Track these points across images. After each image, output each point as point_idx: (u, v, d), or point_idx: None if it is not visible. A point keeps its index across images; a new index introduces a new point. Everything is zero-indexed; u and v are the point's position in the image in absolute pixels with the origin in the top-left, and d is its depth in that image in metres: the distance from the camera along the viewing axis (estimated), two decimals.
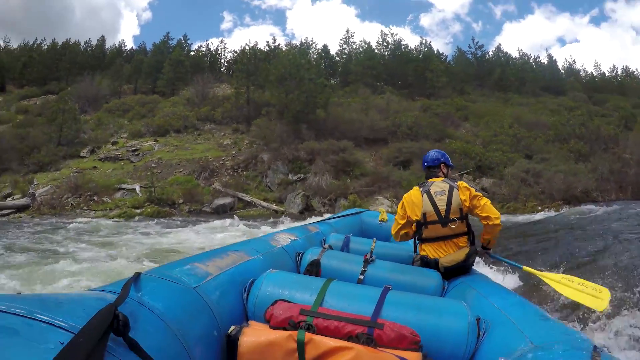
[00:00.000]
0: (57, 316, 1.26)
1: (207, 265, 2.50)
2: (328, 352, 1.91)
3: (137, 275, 1.95)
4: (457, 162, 25.09)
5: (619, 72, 68.48)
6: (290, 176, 25.32)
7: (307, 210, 21.51)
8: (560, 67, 71.05)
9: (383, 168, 26.02)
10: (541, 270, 3.49)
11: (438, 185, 3.75)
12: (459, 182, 3.75)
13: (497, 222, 3.60)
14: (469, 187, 3.70)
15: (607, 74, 68.91)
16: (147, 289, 1.91)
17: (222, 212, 21.34)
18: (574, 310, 4.79)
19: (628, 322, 4.27)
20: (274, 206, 22.19)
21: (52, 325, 1.21)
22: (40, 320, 1.20)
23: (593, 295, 3.08)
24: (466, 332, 2.22)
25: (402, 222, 3.85)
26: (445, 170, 4.04)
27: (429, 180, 3.88)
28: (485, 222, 3.64)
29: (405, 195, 3.91)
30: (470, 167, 25.19)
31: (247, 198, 22.82)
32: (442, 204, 3.65)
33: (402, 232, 3.92)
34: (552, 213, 17.76)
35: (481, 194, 3.69)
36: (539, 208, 19.61)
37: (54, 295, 1.54)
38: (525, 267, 3.65)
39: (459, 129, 35.85)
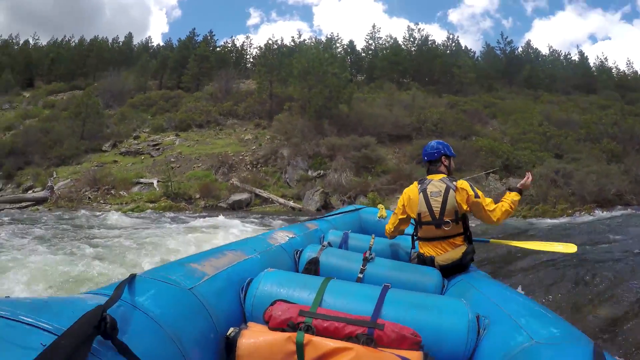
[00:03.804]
0: (42, 318, 1.25)
1: (203, 265, 2.47)
2: (328, 353, 1.88)
3: (132, 277, 1.93)
4: (483, 161, 24.59)
5: None
6: (309, 172, 24.80)
7: (325, 207, 20.77)
8: (591, 64, 69.43)
9: (406, 165, 25.32)
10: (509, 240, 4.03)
11: (435, 184, 3.62)
12: (458, 182, 3.60)
13: (497, 225, 3.71)
14: (469, 190, 3.54)
15: None
16: (141, 291, 1.89)
17: (237, 208, 20.98)
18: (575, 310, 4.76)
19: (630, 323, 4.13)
20: (291, 203, 21.63)
21: (36, 327, 1.21)
22: (23, 322, 1.20)
23: (563, 247, 3.81)
24: (466, 330, 2.22)
25: (402, 217, 3.86)
26: (447, 163, 3.90)
27: (427, 177, 3.77)
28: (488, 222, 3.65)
29: (405, 189, 3.90)
30: (497, 165, 24.38)
31: (265, 194, 22.33)
32: (436, 205, 3.55)
33: (401, 227, 3.94)
34: (585, 217, 17.00)
35: (482, 196, 3.58)
36: (569, 211, 18.74)
37: (44, 298, 1.52)
38: (492, 240, 4.21)
39: (487, 127, 34.93)
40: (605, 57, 70.91)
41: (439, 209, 3.51)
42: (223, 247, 3.13)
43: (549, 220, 16.52)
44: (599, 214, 17.40)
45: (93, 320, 1.31)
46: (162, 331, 1.75)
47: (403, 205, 3.81)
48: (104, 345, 1.34)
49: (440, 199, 3.51)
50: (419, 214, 3.62)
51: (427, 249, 3.70)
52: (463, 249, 3.53)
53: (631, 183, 21.73)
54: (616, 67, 69.63)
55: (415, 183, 3.77)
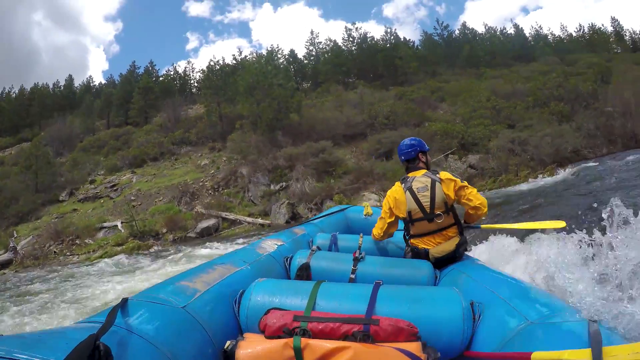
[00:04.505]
0: (37, 353, 1.25)
1: (194, 282, 2.49)
2: (326, 354, 1.88)
3: (124, 301, 1.95)
4: (439, 144, 24.86)
5: (586, 30, 69.49)
6: (272, 186, 24.58)
7: (293, 218, 20.75)
8: (527, 35, 71.47)
9: (365, 162, 25.48)
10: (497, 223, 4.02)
11: (420, 180, 3.64)
12: (441, 174, 3.64)
13: (485, 210, 3.61)
14: (453, 177, 3.59)
15: (574, 34, 69.54)
16: (134, 314, 1.90)
17: (207, 234, 20.61)
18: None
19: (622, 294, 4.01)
20: (259, 220, 21.46)
21: None
22: None
23: (551, 223, 3.94)
24: (461, 317, 2.24)
25: (390, 220, 3.83)
26: (424, 159, 3.95)
27: (409, 175, 3.79)
28: (474, 212, 3.63)
29: (389, 191, 3.85)
30: (454, 146, 24.78)
31: (231, 216, 22.09)
32: (425, 200, 3.56)
33: (390, 231, 3.92)
34: (547, 179, 17.53)
35: (467, 183, 3.62)
36: (532, 176, 19.24)
37: (38, 332, 1.52)
38: (483, 226, 4.23)
39: (437, 111, 35.58)
40: (540, 26, 73.74)
41: (428, 203, 3.53)
42: (212, 261, 3.12)
43: (516, 188, 16.95)
44: (561, 172, 17.98)
45: (86, 350, 1.32)
46: (158, 352, 1.76)
47: (390, 208, 3.78)
48: None
49: (428, 193, 3.54)
50: (409, 212, 3.63)
51: (420, 243, 3.70)
52: (456, 240, 3.55)
53: (585, 138, 22.55)
54: (551, 33, 72.39)
55: (398, 183, 3.78)
